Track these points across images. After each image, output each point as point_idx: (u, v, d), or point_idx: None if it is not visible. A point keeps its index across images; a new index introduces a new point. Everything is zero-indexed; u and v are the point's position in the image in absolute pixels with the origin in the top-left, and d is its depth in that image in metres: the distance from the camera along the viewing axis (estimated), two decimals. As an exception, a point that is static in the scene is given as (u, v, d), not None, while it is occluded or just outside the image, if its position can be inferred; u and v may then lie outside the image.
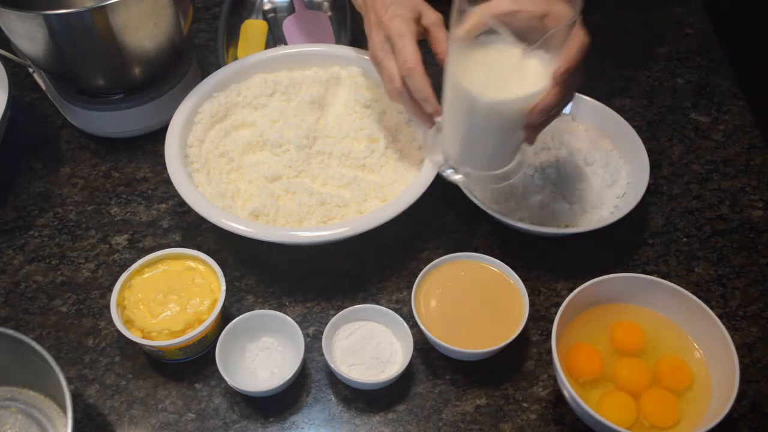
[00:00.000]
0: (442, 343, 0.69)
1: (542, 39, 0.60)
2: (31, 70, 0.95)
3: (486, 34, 0.63)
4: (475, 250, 0.76)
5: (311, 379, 0.72)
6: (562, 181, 0.83)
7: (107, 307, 0.77)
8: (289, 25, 1.02)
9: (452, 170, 0.74)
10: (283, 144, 0.84)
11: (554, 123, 0.87)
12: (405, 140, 0.83)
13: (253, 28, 1.03)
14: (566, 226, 0.79)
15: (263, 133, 0.84)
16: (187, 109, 0.84)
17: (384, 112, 0.85)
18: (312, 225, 0.76)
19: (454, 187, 0.79)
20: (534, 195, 0.81)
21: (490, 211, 0.77)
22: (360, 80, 0.87)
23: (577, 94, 0.88)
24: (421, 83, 0.70)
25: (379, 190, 0.79)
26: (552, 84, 0.63)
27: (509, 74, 0.64)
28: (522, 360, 0.74)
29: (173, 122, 0.82)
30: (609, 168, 0.84)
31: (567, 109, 0.89)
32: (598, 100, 0.88)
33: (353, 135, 0.84)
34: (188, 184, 0.77)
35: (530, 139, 0.70)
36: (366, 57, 0.84)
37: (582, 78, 0.67)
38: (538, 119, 0.66)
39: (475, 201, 0.78)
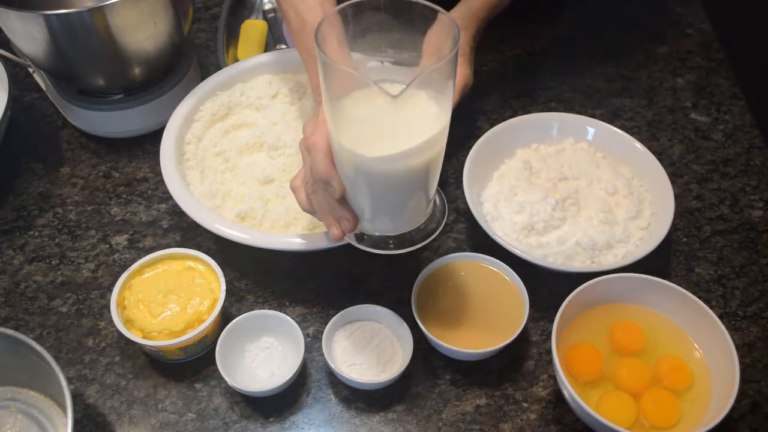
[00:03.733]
0: (442, 343, 0.69)
1: (416, 77, 0.52)
2: (31, 70, 0.95)
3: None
4: (475, 250, 0.76)
5: (311, 379, 0.72)
6: (585, 214, 0.79)
7: (107, 307, 0.77)
8: (289, 25, 1.02)
9: (362, 236, 0.67)
10: (280, 147, 0.83)
11: (569, 151, 0.84)
12: None
13: (253, 28, 1.03)
14: (592, 263, 0.76)
15: (261, 135, 0.84)
16: (189, 106, 0.84)
17: None
18: (298, 231, 0.76)
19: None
20: (555, 229, 0.78)
21: (512, 249, 0.74)
22: None
23: (592, 120, 0.86)
24: (320, 161, 0.61)
25: None
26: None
27: (392, 124, 0.56)
28: (522, 360, 0.74)
29: (172, 118, 0.83)
30: (632, 198, 0.80)
31: (590, 136, 0.86)
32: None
33: None
34: (180, 183, 0.77)
35: None
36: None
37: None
38: None
39: (497, 239, 0.75)
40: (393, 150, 0.57)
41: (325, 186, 0.63)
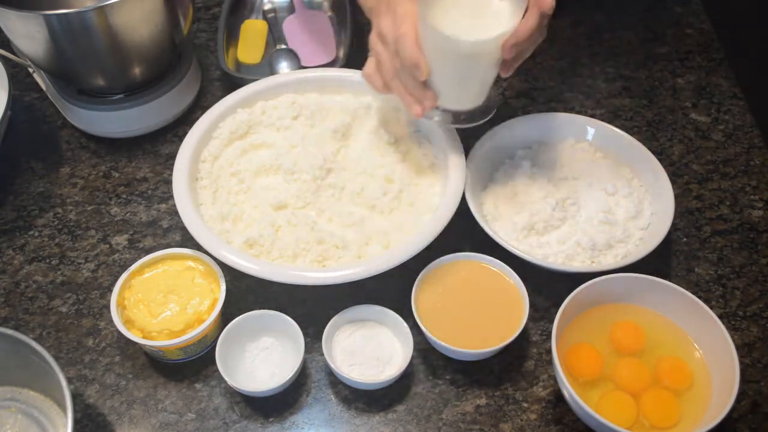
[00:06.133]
0: (442, 343, 0.69)
1: None
2: (31, 70, 0.96)
3: None
4: (475, 250, 0.76)
5: (311, 379, 0.72)
6: (584, 213, 0.79)
7: (107, 307, 0.77)
8: (289, 25, 1.02)
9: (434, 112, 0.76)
10: (296, 172, 0.81)
11: (569, 151, 0.85)
12: (423, 185, 0.81)
13: (253, 28, 1.03)
14: (592, 263, 0.76)
15: (279, 157, 0.82)
16: (208, 122, 0.83)
17: (408, 152, 0.83)
18: (306, 263, 0.75)
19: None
20: (555, 230, 0.79)
21: (512, 249, 0.74)
22: (390, 115, 0.84)
23: (592, 120, 0.87)
24: (410, 48, 0.69)
25: (383, 236, 0.76)
26: (527, 20, 0.67)
27: (485, 12, 0.68)
28: (522, 360, 0.74)
29: (190, 134, 0.82)
30: (632, 198, 0.81)
31: (590, 136, 0.86)
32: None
33: (370, 172, 0.81)
34: (191, 209, 0.75)
35: (507, 72, 0.72)
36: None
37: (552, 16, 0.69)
38: (512, 54, 0.69)
39: (497, 239, 0.75)
40: (487, 35, 0.67)
41: (412, 70, 0.70)
